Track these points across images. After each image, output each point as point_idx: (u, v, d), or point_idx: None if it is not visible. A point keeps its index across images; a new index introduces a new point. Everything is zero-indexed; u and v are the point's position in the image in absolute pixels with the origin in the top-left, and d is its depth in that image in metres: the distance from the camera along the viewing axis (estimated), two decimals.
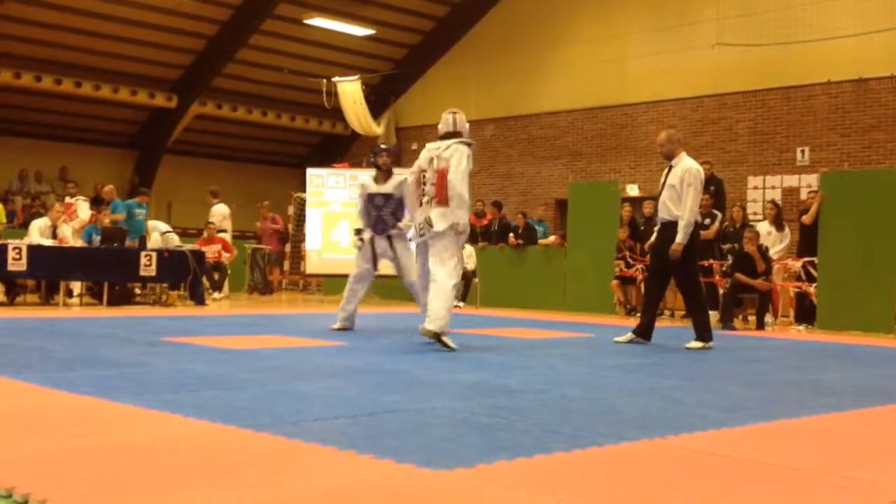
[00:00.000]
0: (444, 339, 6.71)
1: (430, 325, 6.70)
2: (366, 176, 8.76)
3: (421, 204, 7.14)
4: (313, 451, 3.03)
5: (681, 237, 7.35)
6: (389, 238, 8.28)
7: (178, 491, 2.52)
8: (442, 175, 6.93)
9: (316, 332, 7.82)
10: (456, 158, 6.89)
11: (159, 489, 2.53)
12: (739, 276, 10.43)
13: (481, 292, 13.83)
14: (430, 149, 7.11)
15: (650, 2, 16.81)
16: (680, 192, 7.42)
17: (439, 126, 7.19)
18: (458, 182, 6.86)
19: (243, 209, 17.47)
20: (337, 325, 8.31)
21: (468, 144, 7.02)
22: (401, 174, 8.39)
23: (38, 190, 17.68)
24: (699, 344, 7.45)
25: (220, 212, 15.49)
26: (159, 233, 13.15)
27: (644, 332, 7.76)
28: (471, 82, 19.19)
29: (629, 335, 7.80)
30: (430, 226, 6.93)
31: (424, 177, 7.13)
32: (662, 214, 7.60)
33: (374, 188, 8.37)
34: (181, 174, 19.94)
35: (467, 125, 7.18)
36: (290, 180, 19.08)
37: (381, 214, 8.30)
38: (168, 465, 2.84)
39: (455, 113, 7.16)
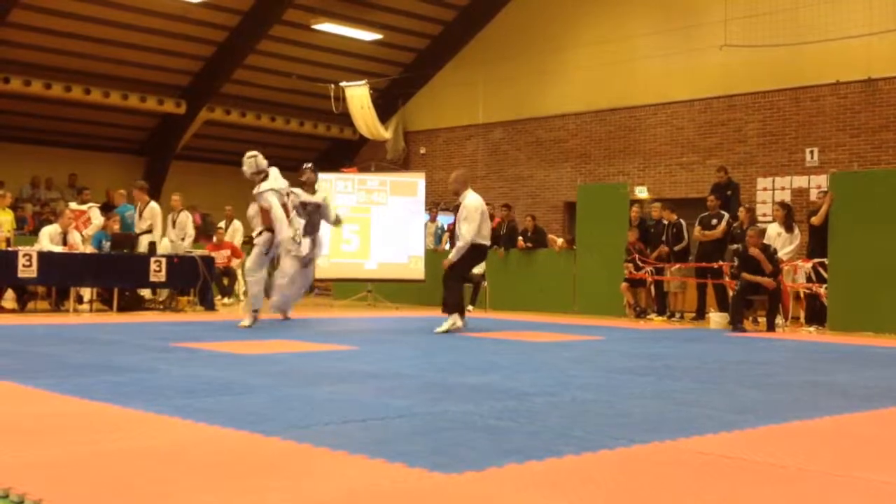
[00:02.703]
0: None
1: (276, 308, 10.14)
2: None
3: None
4: (324, 456, 3.04)
5: (452, 256, 9.34)
6: None
7: (189, 495, 2.53)
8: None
9: (326, 337, 7.83)
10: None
11: (171, 494, 2.54)
12: (745, 274, 10.39)
13: (491, 296, 13.84)
14: (283, 188, 9.53)
15: (657, 3, 16.79)
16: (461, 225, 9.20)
17: (245, 168, 9.25)
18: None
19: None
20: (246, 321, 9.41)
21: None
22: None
23: (48, 197, 17.72)
24: (447, 324, 8.91)
25: (157, 211, 13.40)
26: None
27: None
28: (479, 86, 19.21)
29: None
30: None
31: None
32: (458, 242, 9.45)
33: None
34: (190, 180, 19.96)
35: (265, 163, 9.41)
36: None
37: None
38: (179, 469, 2.85)
39: (256, 156, 9.33)
